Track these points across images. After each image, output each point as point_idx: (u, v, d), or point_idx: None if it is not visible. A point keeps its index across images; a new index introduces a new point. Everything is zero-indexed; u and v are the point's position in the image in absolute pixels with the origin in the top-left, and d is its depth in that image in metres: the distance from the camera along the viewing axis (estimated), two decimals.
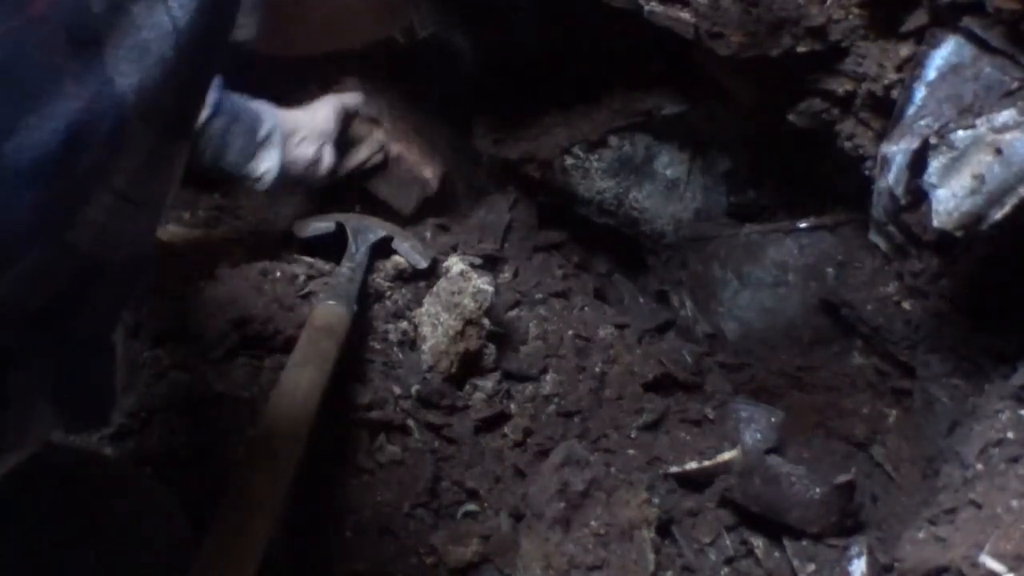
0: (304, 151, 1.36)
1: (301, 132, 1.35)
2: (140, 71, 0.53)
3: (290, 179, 1.38)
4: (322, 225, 1.45)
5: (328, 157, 1.40)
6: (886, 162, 1.10)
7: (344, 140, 1.47)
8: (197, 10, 0.54)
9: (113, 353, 0.66)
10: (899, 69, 1.11)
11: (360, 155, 1.50)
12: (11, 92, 0.50)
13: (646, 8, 1.22)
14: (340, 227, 1.44)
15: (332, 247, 1.43)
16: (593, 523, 1.23)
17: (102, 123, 0.52)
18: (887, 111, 1.13)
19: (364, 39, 1.06)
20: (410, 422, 1.31)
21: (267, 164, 1.31)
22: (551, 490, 1.24)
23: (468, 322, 1.31)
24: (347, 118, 1.46)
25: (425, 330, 1.34)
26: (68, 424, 0.65)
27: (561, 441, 1.33)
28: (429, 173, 1.57)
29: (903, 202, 1.11)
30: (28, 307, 0.56)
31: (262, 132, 1.30)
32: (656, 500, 1.29)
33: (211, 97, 1.22)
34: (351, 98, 1.48)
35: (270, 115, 1.31)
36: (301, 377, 1.16)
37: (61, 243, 0.55)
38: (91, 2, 0.51)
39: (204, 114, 1.22)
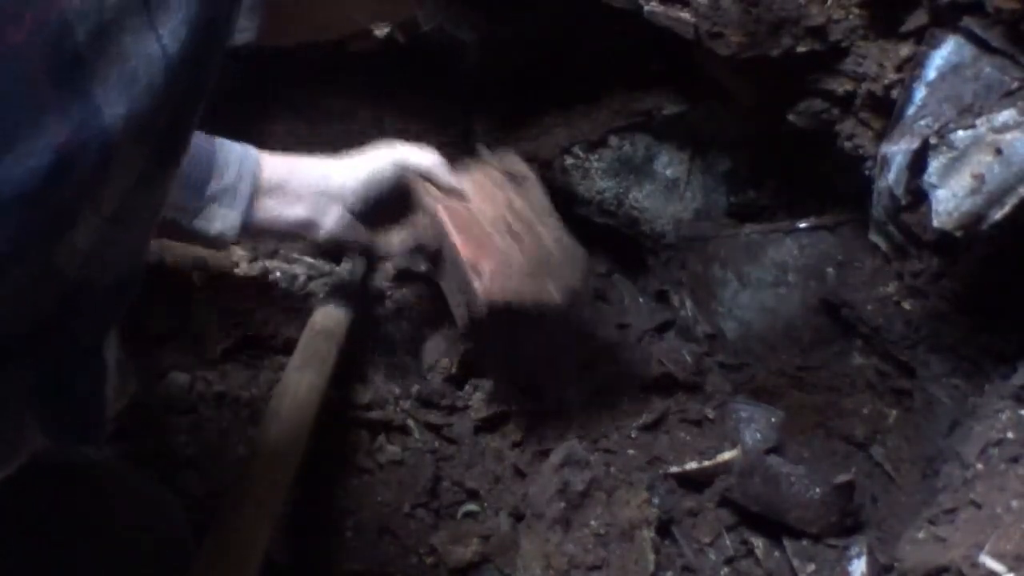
0: (289, 211, 1.14)
1: (291, 187, 1.13)
2: (129, 99, 0.51)
3: (270, 236, 1.21)
4: None
5: (330, 223, 1.17)
6: (886, 162, 1.10)
7: (395, 211, 1.22)
8: (189, 36, 0.52)
9: (103, 366, 0.65)
10: (899, 69, 1.11)
11: (393, 240, 1.23)
12: None
13: (646, 8, 1.22)
14: None
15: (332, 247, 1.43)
16: (593, 523, 1.23)
17: (87, 153, 0.50)
18: (887, 111, 1.13)
19: (364, 25, 1.03)
20: (410, 422, 1.31)
21: (221, 224, 1.09)
22: (551, 490, 1.24)
23: None
24: (405, 183, 1.21)
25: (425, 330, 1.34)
26: (56, 439, 0.64)
27: (561, 441, 1.33)
28: (479, 284, 1.14)
29: (903, 202, 1.11)
30: (12, 330, 0.55)
31: (215, 186, 1.07)
32: (656, 500, 1.29)
33: None
34: (426, 159, 1.21)
35: (236, 165, 1.09)
36: (301, 380, 1.16)
37: (46, 268, 0.53)
38: (76, 30, 0.48)
39: None
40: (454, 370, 1.32)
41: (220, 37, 0.57)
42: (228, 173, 1.08)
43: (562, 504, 1.23)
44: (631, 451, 1.36)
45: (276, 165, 1.13)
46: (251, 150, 1.11)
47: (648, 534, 1.24)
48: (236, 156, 1.09)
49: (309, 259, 1.42)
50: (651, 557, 1.23)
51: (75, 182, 0.51)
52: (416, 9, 1.37)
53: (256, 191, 1.10)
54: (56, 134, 0.48)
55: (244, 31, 0.65)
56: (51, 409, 0.61)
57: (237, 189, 1.09)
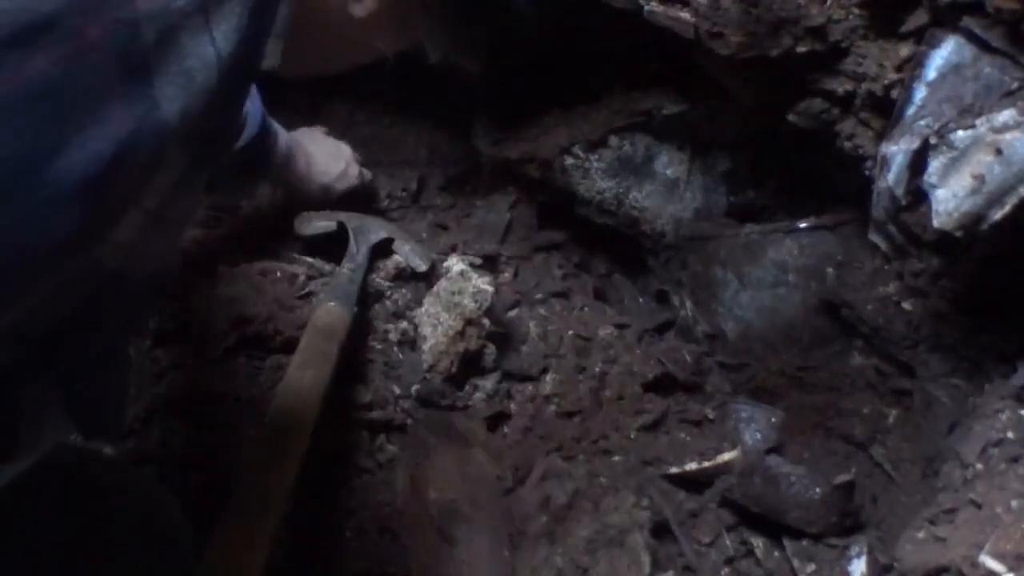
0: (293, 186, 1.48)
1: (305, 176, 1.46)
2: (185, 97, 0.55)
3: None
4: (323, 224, 1.45)
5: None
6: (886, 162, 1.10)
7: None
8: (239, 39, 0.56)
9: (128, 364, 0.67)
10: (899, 69, 1.11)
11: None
12: (61, 112, 0.51)
13: (646, 8, 1.22)
14: (341, 226, 1.43)
15: (333, 247, 1.43)
16: (583, 532, 1.23)
17: (145, 146, 0.54)
18: (887, 111, 1.13)
19: (376, 55, 1.09)
20: (410, 422, 1.31)
21: (256, 189, 1.45)
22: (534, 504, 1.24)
23: (468, 322, 1.31)
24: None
25: (425, 330, 1.34)
26: (83, 432, 0.65)
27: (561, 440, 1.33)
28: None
29: (903, 202, 1.11)
30: (47, 323, 0.57)
31: (269, 164, 1.36)
32: (644, 502, 1.28)
33: (247, 134, 1.27)
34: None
35: (282, 153, 1.37)
36: (302, 380, 1.16)
37: (88, 260, 0.56)
38: (144, 30, 0.52)
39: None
40: (454, 370, 1.32)
41: (259, 52, 0.62)
42: (277, 159, 1.37)
43: (544, 518, 1.23)
44: (631, 452, 1.36)
45: (299, 157, 1.42)
46: (289, 139, 1.39)
47: (641, 538, 1.23)
48: (285, 145, 1.37)
49: (309, 259, 1.42)
50: (646, 560, 1.23)
51: (130, 173, 0.54)
52: (424, 40, 1.39)
53: (284, 170, 1.41)
54: (120, 124, 0.52)
55: (269, 56, 0.68)
56: (78, 407, 0.62)
57: (274, 169, 1.39)
